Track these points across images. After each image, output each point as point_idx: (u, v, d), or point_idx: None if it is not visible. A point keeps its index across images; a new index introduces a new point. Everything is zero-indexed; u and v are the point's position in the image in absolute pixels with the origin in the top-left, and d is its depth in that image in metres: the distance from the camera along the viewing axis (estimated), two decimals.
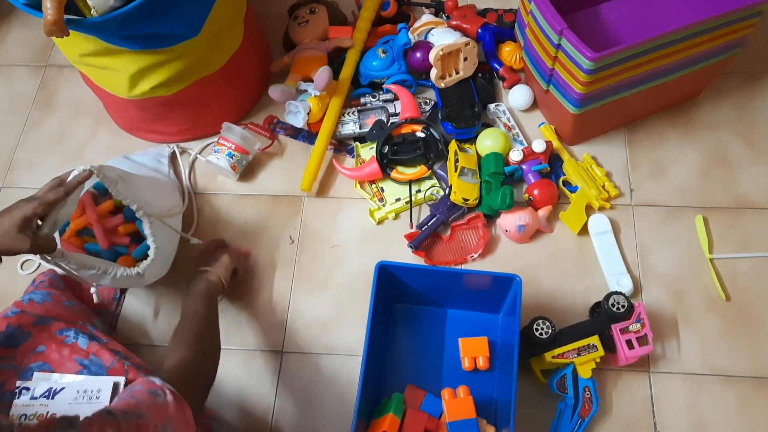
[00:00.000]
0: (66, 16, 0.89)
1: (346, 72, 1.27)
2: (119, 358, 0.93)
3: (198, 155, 1.28)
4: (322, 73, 1.18)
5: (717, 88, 1.26)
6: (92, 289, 1.01)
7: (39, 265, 1.20)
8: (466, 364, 1.03)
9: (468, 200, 1.14)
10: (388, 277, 1.00)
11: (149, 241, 1.02)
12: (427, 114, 1.26)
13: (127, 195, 0.98)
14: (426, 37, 1.30)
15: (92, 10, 0.92)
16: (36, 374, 0.91)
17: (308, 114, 1.22)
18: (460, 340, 1.04)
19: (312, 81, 1.22)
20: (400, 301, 1.09)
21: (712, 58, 1.11)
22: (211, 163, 1.22)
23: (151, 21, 0.97)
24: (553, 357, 1.00)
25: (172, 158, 1.28)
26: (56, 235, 1.01)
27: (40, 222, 0.86)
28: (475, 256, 1.14)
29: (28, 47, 1.47)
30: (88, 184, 0.99)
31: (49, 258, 0.91)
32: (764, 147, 1.21)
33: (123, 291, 1.16)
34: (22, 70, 1.45)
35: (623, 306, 1.00)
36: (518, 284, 0.95)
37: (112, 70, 1.10)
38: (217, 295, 1.02)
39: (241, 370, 1.09)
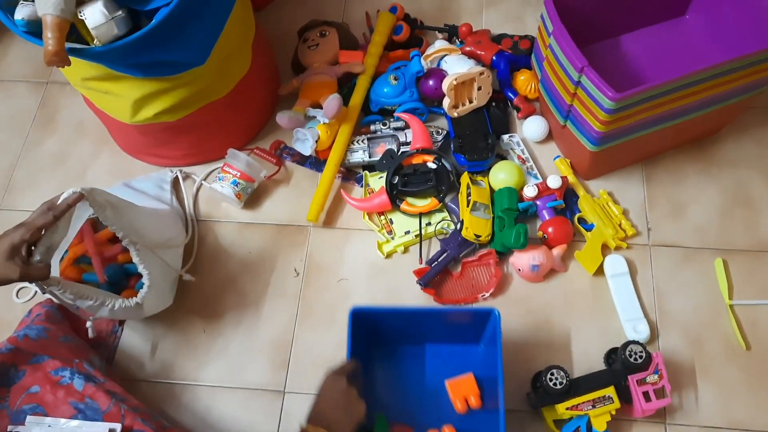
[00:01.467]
0: (68, 45, 0.85)
1: (357, 98, 1.23)
2: (116, 401, 0.90)
3: (203, 182, 1.24)
4: (332, 102, 1.15)
5: (739, 124, 1.22)
6: (88, 323, 0.97)
7: (35, 293, 1.16)
8: (459, 406, 1.00)
9: (480, 236, 1.10)
10: (364, 321, 0.97)
11: (140, 269, 0.98)
12: (439, 144, 1.22)
13: (115, 222, 0.93)
14: (439, 64, 1.26)
15: (95, 41, 0.88)
16: (29, 418, 0.87)
17: (316, 141, 1.18)
18: (446, 382, 1.02)
19: (321, 107, 1.19)
20: (378, 343, 1.05)
21: (738, 96, 1.07)
22: (215, 191, 1.18)
23: (156, 50, 0.93)
24: (567, 408, 0.96)
25: (176, 184, 1.24)
26: (56, 261, 0.97)
27: (33, 248, 0.82)
28: (487, 295, 1.10)
29: (29, 63, 1.44)
30: (88, 212, 0.95)
31: (45, 287, 0.87)
32: None
33: (122, 323, 1.12)
34: (23, 86, 1.41)
35: (641, 356, 0.96)
36: (496, 318, 0.93)
37: (115, 95, 1.06)
38: None
39: (240, 410, 1.05)
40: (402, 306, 1.10)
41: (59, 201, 0.87)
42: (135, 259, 0.97)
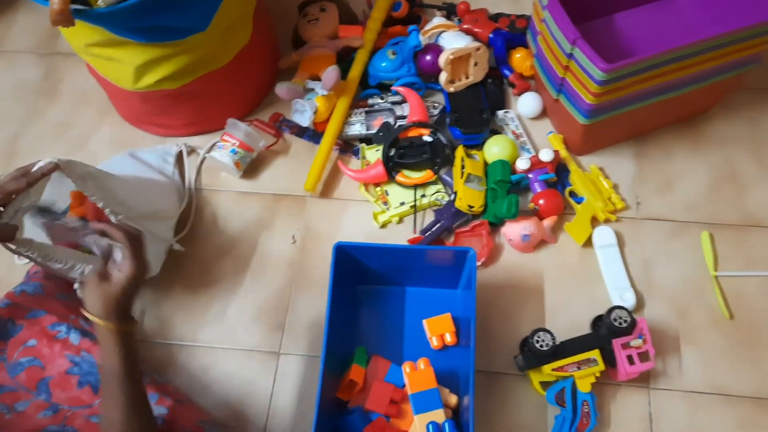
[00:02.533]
0: (72, 6, 0.87)
1: (355, 72, 1.26)
2: None
3: (206, 155, 1.26)
4: (331, 73, 1.17)
5: (729, 103, 1.24)
6: (75, 285, 1.00)
7: None
8: (435, 343, 1.04)
9: (473, 207, 1.13)
10: (347, 258, 1.01)
11: None
12: (435, 118, 1.25)
13: (95, 193, 0.94)
14: (437, 40, 1.28)
15: (99, 1, 0.90)
16: None
17: (315, 113, 1.21)
18: (424, 321, 1.06)
19: (320, 80, 1.21)
20: (361, 283, 1.10)
21: (728, 72, 1.09)
22: (213, 159, 1.21)
23: (159, 14, 0.95)
24: (553, 369, 0.99)
25: (179, 158, 1.26)
26: (31, 223, 0.97)
27: (2, 209, 0.83)
28: (479, 264, 1.13)
29: (34, 35, 1.46)
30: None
31: (12, 247, 0.87)
32: None
33: None
34: (28, 57, 1.43)
35: (626, 321, 0.99)
36: (472, 258, 0.97)
37: (118, 62, 1.08)
38: (117, 348, 0.74)
39: (236, 369, 1.08)
40: (385, 243, 1.14)
41: (34, 168, 0.86)
42: None
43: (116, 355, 0.73)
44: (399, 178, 1.19)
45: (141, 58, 1.06)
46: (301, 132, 1.28)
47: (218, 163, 1.21)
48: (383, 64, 1.25)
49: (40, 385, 0.90)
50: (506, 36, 1.29)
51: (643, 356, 0.99)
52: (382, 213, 1.19)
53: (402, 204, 1.19)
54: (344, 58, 1.30)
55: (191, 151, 1.28)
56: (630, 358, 0.99)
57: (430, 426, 0.92)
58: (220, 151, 1.20)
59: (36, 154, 1.29)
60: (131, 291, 0.76)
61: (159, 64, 1.08)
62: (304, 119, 1.21)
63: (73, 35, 1.07)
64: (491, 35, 1.29)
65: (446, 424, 0.92)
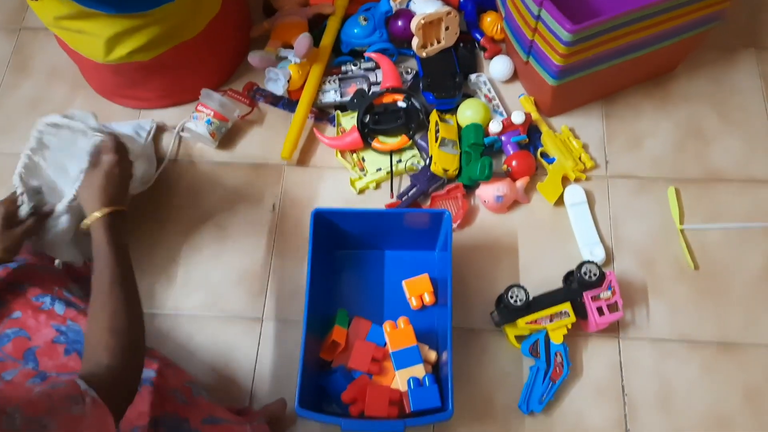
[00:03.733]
0: None
1: (327, 39, 1.26)
2: None
3: (181, 133, 1.26)
4: (303, 40, 1.18)
5: (694, 62, 1.27)
6: (56, 261, 1.02)
7: None
8: (414, 303, 1.08)
9: (448, 171, 1.16)
10: (326, 224, 1.04)
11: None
12: (409, 83, 1.26)
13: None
14: (408, 5, 1.29)
15: None
16: None
17: (288, 81, 1.21)
18: (404, 282, 1.09)
19: (292, 48, 1.22)
20: (341, 248, 1.13)
21: (690, 30, 1.12)
22: (189, 129, 1.21)
23: None
24: (527, 323, 1.03)
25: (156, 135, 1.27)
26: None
27: None
28: (454, 225, 1.16)
29: (1, 9, 1.43)
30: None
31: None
32: (737, 120, 1.24)
33: None
34: None
35: (595, 274, 1.03)
36: (448, 219, 1.01)
37: (88, 34, 1.08)
38: (106, 237, 0.82)
39: (220, 336, 1.10)
40: (362, 208, 1.17)
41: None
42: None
43: (105, 245, 0.80)
44: (375, 144, 1.21)
45: (111, 29, 1.06)
46: (275, 101, 1.29)
47: (194, 134, 1.22)
48: (355, 31, 1.26)
49: (27, 354, 0.91)
50: (476, 0, 1.30)
51: (612, 307, 1.04)
52: (359, 179, 1.21)
53: (379, 170, 1.21)
54: (316, 26, 1.30)
55: (164, 128, 1.28)
56: (600, 310, 1.03)
57: (411, 381, 0.96)
58: (195, 121, 1.21)
59: (9, 131, 1.30)
60: (115, 179, 0.87)
61: (130, 35, 1.07)
62: (278, 88, 1.22)
63: (42, 8, 1.06)
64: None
65: (426, 378, 0.97)
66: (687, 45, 1.17)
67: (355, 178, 1.21)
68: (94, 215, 0.83)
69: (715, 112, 1.24)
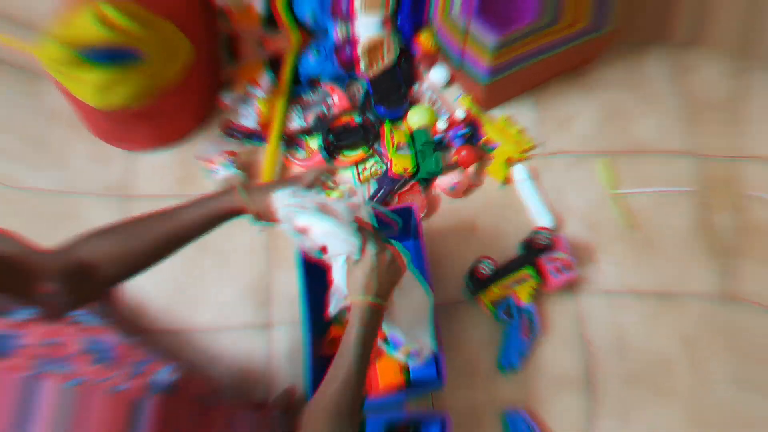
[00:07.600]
0: None
1: (286, 73, 1.42)
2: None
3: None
4: (264, 78, 1.33)
5: (611, 54, 1.45)
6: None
7: None
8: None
9: (407, 169, 1.32)
10: None
11: None
12: (362, 102, 1.43)
13: None
14: (350, 34, 1.45)
15: None
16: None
17: (258, 115, 1.37)
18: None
19: (258, 86, 1.37)
20: None
21: (583, 37, 1.30)
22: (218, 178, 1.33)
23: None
24: (498, 289, 1.18)
25: None
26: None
27: None
28: (422, 215, 1.31)
29: None
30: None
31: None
32: (651, 101, 1.42)
33: None
34: None
35: (547, 239, 1.19)
36: (414, 212, 1.15)
37: (81, 81, 1.17)
38: (358, 318, 0.84)
39: (232, 345, 1.23)
40: None
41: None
42: None
43: (356, 338, 0.81)
44: (340, 158, 1.37)
45: (100, 78, 1.17)
46: (250, 135, 1.43)
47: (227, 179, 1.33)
48: (310, 63, 1.42)
49: None
50: (412, 20, 1.47)
51: (567, 267, 1.20)
52: (335, 191, 1.36)
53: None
54: (276, 63, 1.45)
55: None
56: (556, 270, 1.19)
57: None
58: (220, 171, 1.33)
59: None
60: (372, 272, 0.85)
61: (119, 84, 1.19)
62: (250, 122, 1.37)
63: (42, 53, 1.15)
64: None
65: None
66: (596, 44, 1.35)
67: (329, 191, 1.36)
68: (358, 298, 0.84)
69: (633, 95, 1.42)
